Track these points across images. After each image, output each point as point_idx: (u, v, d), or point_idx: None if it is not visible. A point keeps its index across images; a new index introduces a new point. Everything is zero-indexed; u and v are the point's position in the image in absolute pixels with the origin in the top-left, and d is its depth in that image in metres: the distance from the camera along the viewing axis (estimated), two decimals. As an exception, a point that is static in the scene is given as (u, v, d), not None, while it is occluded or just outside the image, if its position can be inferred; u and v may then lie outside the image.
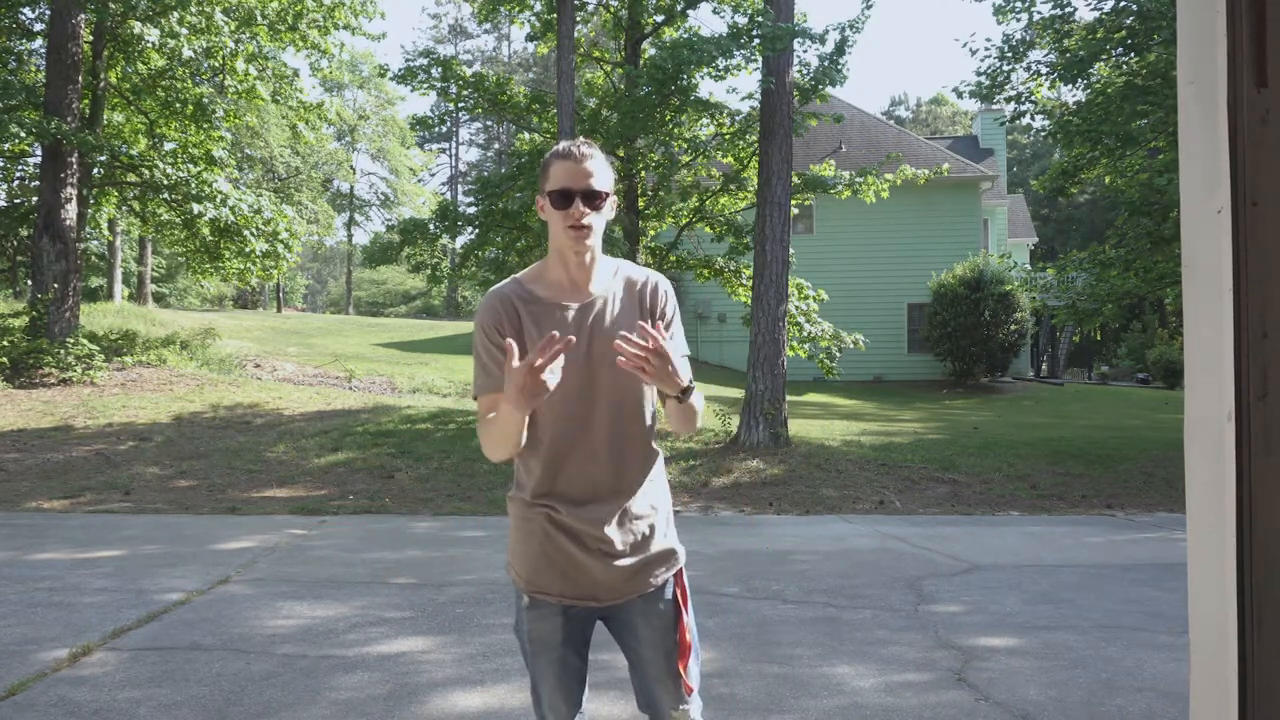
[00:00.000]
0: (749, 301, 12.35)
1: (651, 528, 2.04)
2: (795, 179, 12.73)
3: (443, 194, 56.98)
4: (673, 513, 2.15)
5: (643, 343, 1.80)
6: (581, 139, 2.00)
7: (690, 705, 2.06)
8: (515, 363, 1.75)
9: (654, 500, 2.06)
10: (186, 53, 14.85)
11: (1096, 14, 13.65)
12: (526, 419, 1.88)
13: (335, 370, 17.55)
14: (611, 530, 1.97)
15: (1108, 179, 14.53)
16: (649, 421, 2.06)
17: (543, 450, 1.97)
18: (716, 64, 11.75)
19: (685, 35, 12.56)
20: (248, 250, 15.87)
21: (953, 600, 5.44)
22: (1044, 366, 31.60)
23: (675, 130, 13.34)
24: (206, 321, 22.11)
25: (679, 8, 13.51)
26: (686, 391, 1.89)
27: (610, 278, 2.04)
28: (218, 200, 15.10)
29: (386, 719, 3.52)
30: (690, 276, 16.53)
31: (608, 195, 1.96)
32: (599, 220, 1.95)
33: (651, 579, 2.04)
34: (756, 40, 11.07)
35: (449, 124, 55.84)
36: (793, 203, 12.21)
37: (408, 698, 3.73)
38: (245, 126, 25.80)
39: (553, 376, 1.75)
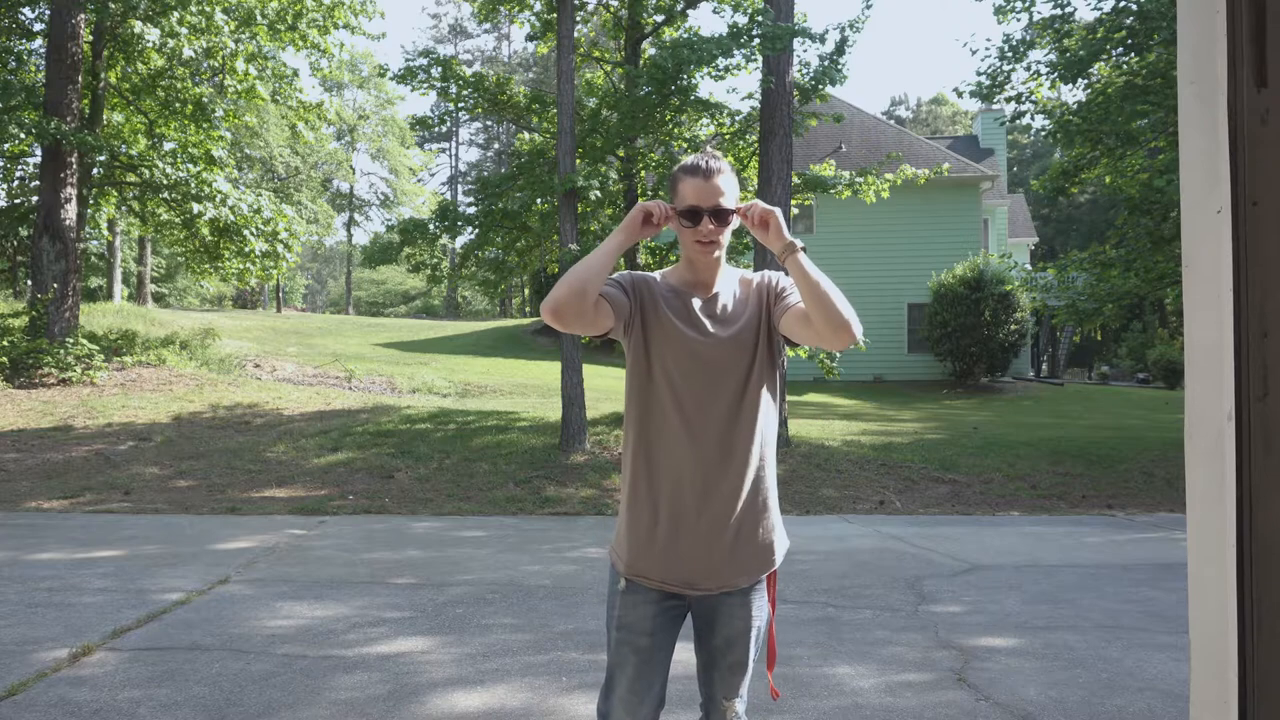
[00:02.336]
0: (749, 301, 12.31)
1: (758, 519, 2.10)
2: (795, 179, 12.72)
3: (443, 194, 56.99)
4: (778, 510, 2.19)
5: (750, 207, 2.05)
6: (710, 152, 2.09)
7: (740, 699, 2.17)
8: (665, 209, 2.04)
9: (765, 493, 2.12)
10: (186, 53, 14.84)
11: (1096, 14, 13.64)
12: (614, 258, 2.01)
13: (335, 370, 17.55)
14: (718, 517, 2.04)
15: (1108, 179, 14.50)
16: (764, 412, 2.10)
17: (659, 429, 2.05)
18: (716, 64, 11.73)
19: (685, 35, 12.55)
20: (247, 250, 15.86)
21: (953, 600, 5.44)
22: (1044, 366, 31.56)
23: (675, 130, 13.33)
24: (206, 321, 22.12)
25: (679, 7, 13.51)
26: (790, 249, 1.97)
27: (732, 280, 2.18)
28: (217, 200, 15.10)
29: (386, 719, 3.52)
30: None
31: (735, 212, 2.07)
32: (725, 234, 2.08)
33: (748, 574, 2.10)
34: (756, 40, 11.06)
35: (449, 124, 55.84)
36: (793, 203, 12.21)
37: (408, 698, 3.73)
38: (245, 126, 25.79)
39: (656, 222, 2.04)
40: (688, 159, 2.08)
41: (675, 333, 2.05)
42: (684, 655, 2.25)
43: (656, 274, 2.19)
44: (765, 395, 2.09)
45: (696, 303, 2.10)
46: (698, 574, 2.05)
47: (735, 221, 2.09)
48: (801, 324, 2.00)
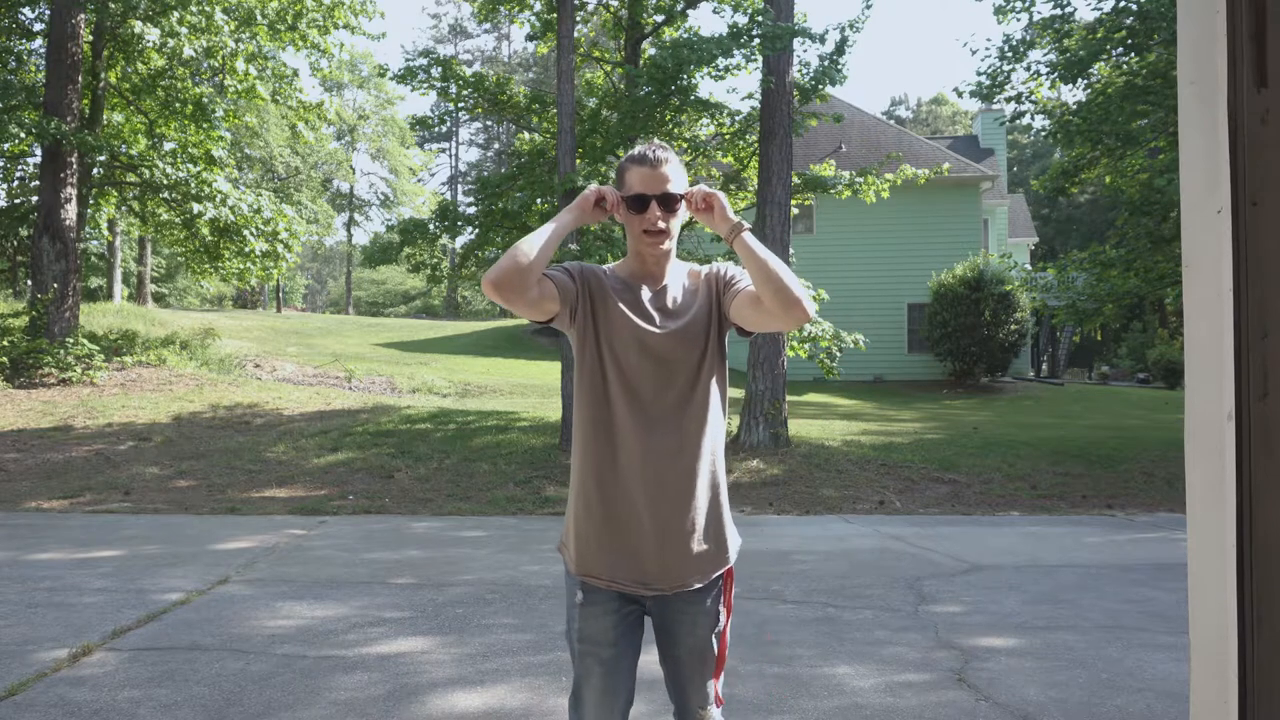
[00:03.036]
0: (749, 301, 12.29)
1: (710, 515, 2.05)
2: (795, 179, 12.72)
3: (443, 194, 56.98)
4: (729, 506, 2.14)
5: (693, 192, 2.01)
6: (657, 142, 2.08)
7: (713, 706, 2.13)
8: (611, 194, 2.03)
9: (716, 489, 2.07)
10: (187, 52, 14.85)
11: (1096, 14, 13.64)
12: (561, 237, 1.98)
13: (335, 370, 17.55)
14: (669, 514, 1.99)
15: (1108, 179, 14.51)
16: (713, 405, 2.06)
17: (612, 423, 2.01)
18: (716, 64, 11.73)
19: (685, 35, 12.55)
20: (247, 250, 15.86)
21: (953, 600, 5.44)
22: (1044, 366, 31.55)
23: (675, 130, 13.32)
24: (206, 321, 22.11)
25: (679, 7, 13.50)
26: (737, 229, 1.94)
27: (681, 273, 2.15)
28: (217, 200, 15.10)
29: (386, 719, 3.52)
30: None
31: (682, 198, 2.03)
32: (674, 223, 2.04)
33: (701, 573, 2.05)
34: (756, 40, 11.06)
35: (449, 124, 55.85)
36: (793, 203, 12.20)
37: (407, 698, 3.73)
38: (245, 126, 25.80)
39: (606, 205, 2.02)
40: (634, 149, 2.05)
41: (626, 324, 2.01)
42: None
43: (605, 267, 2.16)
44: (715, 388, 2.06)
45: (646, 294, 2.07)
46: (650, 573, 2.00)
47: (683, 213, 2.05)
48: (753, 307, 1.97)
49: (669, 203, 2.00)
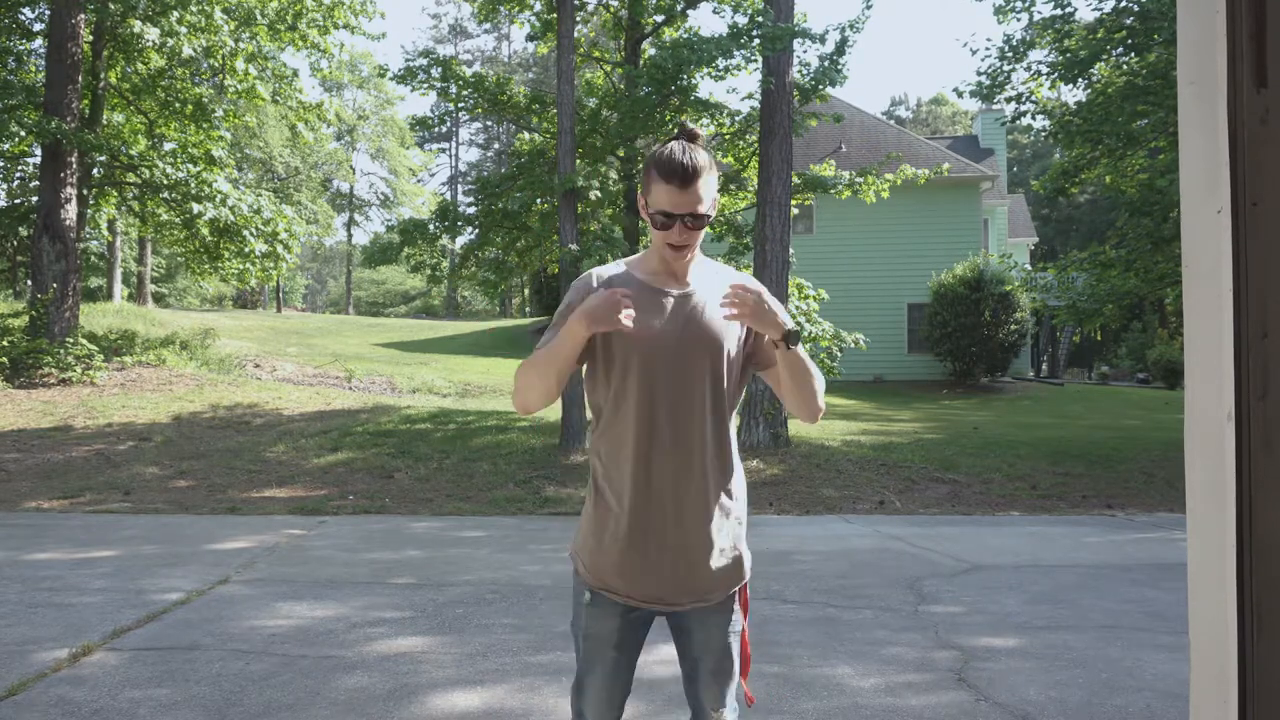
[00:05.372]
0: (749, 301, 12.30)
1: (726, 535, 2.01)
2: (795, 179, 12.72)
3: (443, 194, 56.99)
4: (746, 521, 2.11)
5: (742, 294, 1.85)
6: (692, 147, 1.91)
7: (729, 709, 2.10)
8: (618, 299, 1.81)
9: (733, 506, 2.04)
10: (186, 52, 14.85)
11: (1097, 14, 13.65)
12: (574, 356, 1.89)
13: (335, 370, 17.55)
14: (691, 531, 1.95)
15: (1108, 179, 14.51)
16: (734, 421, 2.05)
17: (629, 437, 1.94)
18: (716, 64, 11.73)
19: (685, 35, 12.55)
20: (247, 250, 15.87)
21: (953, 600, 5.44)
22: (1044, 367, 31.55)
23: (675, 130, 13.32)
24: (206, 322, 22.12)
25: (679, 8, 13.50)
26: (791, 336, 1.88)
27: (711, 275, 2.05)
28: (217, 200, 15.11)
29: (386, 719, 3.52)
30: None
31: (710, 216, 1.93)
32: (699, 236, 1.94)
33: (718, 590, 2.03)
34: (756, 40, 11.06)
35: (449, 124, 55.83)
36: (793, 203, 12.20)
37: (408, 698, 3.73)
38: (245, 126, 25.81)
39: (628, 314, 1.81)
40: (666, 151, 1.89)
41: (644, 332, 1.91)
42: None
43: (621, 264, 2.05)
44: (736, 396, 2.02)
45: (670, 299, 1.97)
46: (667, 591, 1.97)
47: (710, 218, 1.96)
48: (774, 383, 2.02)
49: (698, 221, 1.90)
